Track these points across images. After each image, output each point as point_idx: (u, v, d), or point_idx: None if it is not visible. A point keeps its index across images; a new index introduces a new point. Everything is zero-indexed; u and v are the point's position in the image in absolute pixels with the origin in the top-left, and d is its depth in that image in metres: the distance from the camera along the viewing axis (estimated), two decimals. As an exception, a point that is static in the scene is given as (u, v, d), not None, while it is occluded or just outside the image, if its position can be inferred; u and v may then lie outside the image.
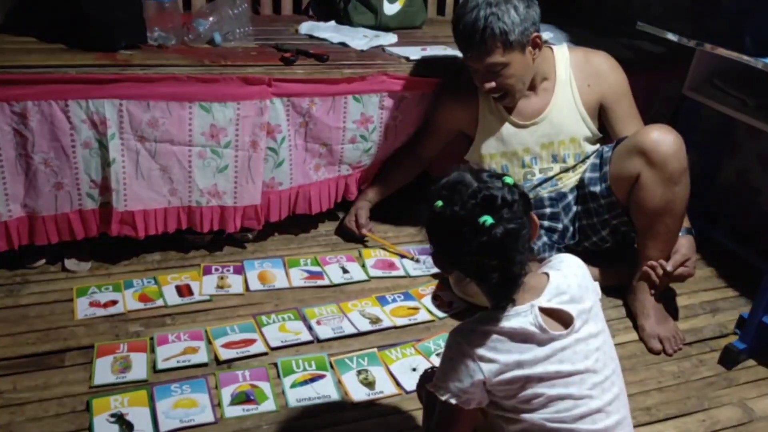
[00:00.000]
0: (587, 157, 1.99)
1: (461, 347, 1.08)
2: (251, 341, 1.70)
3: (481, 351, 1.06)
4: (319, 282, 1.99)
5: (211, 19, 2.02)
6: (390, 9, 2.44)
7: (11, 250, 1.83)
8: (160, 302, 1.84)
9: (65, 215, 1.85)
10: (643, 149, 1.76)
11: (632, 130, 1.92)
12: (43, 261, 1.95)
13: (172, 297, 1.86)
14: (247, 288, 1.93)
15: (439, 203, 1.05)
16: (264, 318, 1.79)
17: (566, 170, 1.99)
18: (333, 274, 2.03)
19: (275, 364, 1.63)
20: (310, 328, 1.78)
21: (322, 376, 1.61)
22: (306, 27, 2.33)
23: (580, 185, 1.97)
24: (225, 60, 1.89)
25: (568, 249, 2.02)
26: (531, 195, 2.00)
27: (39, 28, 1.89)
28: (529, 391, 1.07)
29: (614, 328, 1.88)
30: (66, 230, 1.87)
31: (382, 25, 2.42)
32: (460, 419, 1.13)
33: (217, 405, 1.50)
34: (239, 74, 1.86)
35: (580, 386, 1.07)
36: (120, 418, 1.44)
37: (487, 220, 0.99)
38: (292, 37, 2.25)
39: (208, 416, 1.47)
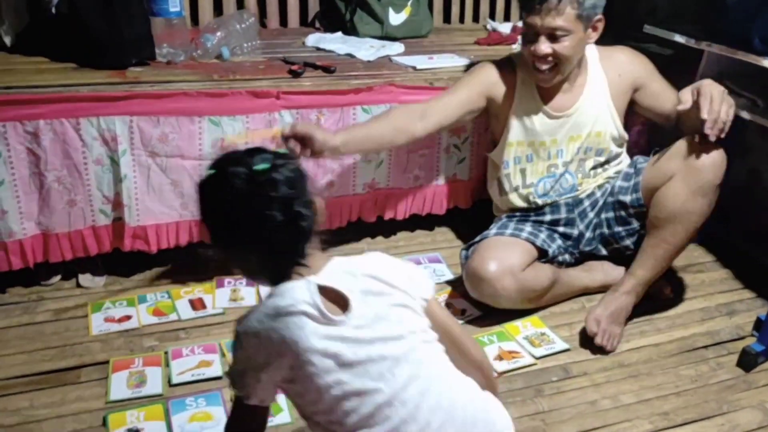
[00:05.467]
0: (607, 162, 1.98)
1: (240, 339, 1.02)
2: (265, 353, 1.70)
3: (255, 342, 1.00)
4: (332, 293, 1.99)
5: (218, 34, 2.04)
6: (396, 19, 2.45)
7: (26, 267, 1.85)
8: (173, 316, 1.84)
9: (79, 232, 1.87)
10: (684, 152, 1.75)
11: (674, 98, 1.81)
12: (57, 278, 1.97)
13: (185, 311, 1.87)
14: (260, 300, 1.94)
15: (210, 171, 1.02)
16: (277, 330, 1.79)
17: (587, 176, 1.98)
18: (345, 284, 2.02)
19: (289, 376, 1.63)
20: (323, 339, 1.77)
21: (336, 387, 1.60)
22: (313, 39, 2.35)
23: (610, 193, 1.95)
24: (233, 74, 1.91)
25: (584, 255, 2.02)
26: (548, 200, 1.99)
27: (49, 48, 1.92)
28: (308, 386, 1.00)
29: (629, 332, 1.86)
30: (80, 247, 1.89)
31: (388, 35, 2.44)
32: (241, 415, 1.08)
33: (232, 418, 1.50)
34: (248, 88, 1.88)
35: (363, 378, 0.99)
36: (136, 433, 1.44)
37: (264, 165, 0.98)
38: (299, 50, 2.26)
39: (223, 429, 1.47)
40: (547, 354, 1.76)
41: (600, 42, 2.07)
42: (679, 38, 2.07)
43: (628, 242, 1.94)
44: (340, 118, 2.01)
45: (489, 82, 1.93)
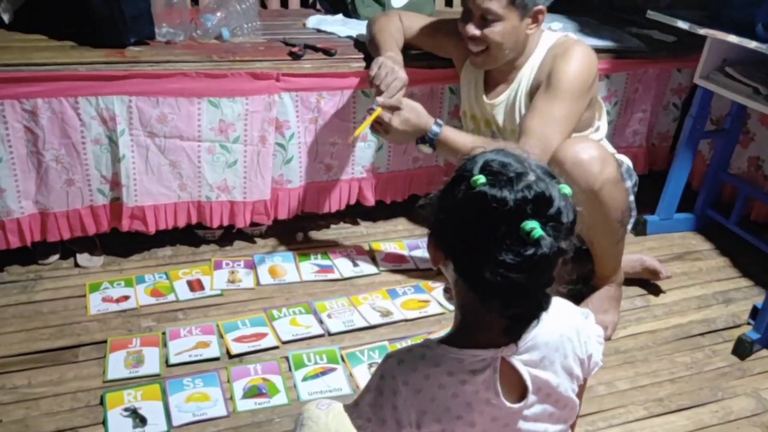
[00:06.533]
0: None
1: (395, 384, 0.89)
2: (262, 335, 1.71)
3: (414, 396, 0.88)
4: (330, 276, 1.99)
5: (218, 14, 2.02)
6: (397, 1, 2.42)
7: (24, 246, 1.85)
8: (171, 297, 1.85)
9: (76, 211, 1.86)
10: (558, 163, 1.62)
11: (526, 123, 1.69)
12: (55, 257, 1.97)
13: (183, 292, 1.87)
14: (257, 282, 1.94)
15: (481, 179, 0.81)
16: (275, 312, 1.80)
17: None
18: (343, 267, 2.03)
19: (286, 358, 1.64)
20: (320, 322, 1.78)
21: (333, 370, 1.61)
22: (313, 21, 2.33)
23: None
24: (233, 55, 1.90)
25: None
26: None
27: (48, 26, 1.90)
28: None
29: (626, 318, 1.87)
30: (78, 226, 1.88)
31: (389, 17, 2.41)
32: None
33: (229, 399, 1.51)
34: (247, 69, 1.86)
35: None
36: (134, 412, 1.45)
37: (535, 230, 0.77)
38: (299, 32, 2.24)
39: (220, 410, 1.48)
40: (543, 339, 1.77)
41: (602, 29, 2.05)
42: (681, 24, 2.05)
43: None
44: (340, 101, 2.00)
45: (449, 36, 1.89)
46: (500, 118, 1.84)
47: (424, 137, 1.71)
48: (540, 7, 1.69)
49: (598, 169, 1.63)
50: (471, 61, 1.82)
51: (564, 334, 0.94)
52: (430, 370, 0.88)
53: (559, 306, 0.94)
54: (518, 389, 0.90)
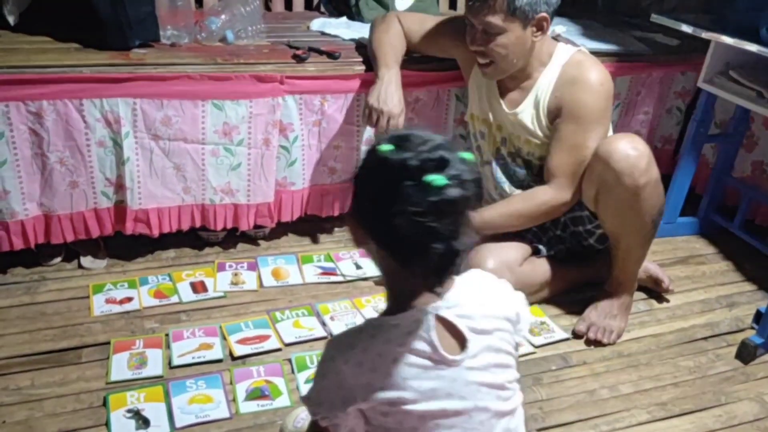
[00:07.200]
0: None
1: (335, 364, 0.93)
2: (265, 337, 1.71)
3: (356, 371, 0.91)
4: (333, 278, 1.99)
5: (223, 16, 2.03)
6: (401, 4, 2.43)
7: (28, 248, 1.85)
8: (174, 299, 1.85)
9: (81, 214, 1.87)
10: (599, 168, 1.67)
11: (556, 161, 1.75)
12: (59, 259, 1.97)
13: (186, 293, 1.87)
14: (261, 284, 1.94)
15: (387, 146, 0.87)
16: (278, 314, 1.80)
17: (536, 177, 1.86)
18: (346, 269, 2.03)
19: (289, 360, 1.64)
20: (323, 324, 1.78)
21: (336, 372, 1.61)
22: (317, 23, 2.33)
23: None
24: (237, 58, 1.90)
25: (573, 251, 1.99)
26: (505, 186, 1.90)
27: (53, 28, 1.91)
28: (407, 426, 0.93)
29: (629, 322, 1.87)
30: (81, 228, 1.89)
31: (393, 20, 2.41)
32: None
33: (232, 401, 1.51)
34: (252, 72, 1.87)
35: (467, 424, 0.94)
36: (136, 414, 1.45)
37: (437, 179, 0.83)
38: (303, 34, 2.25)
39: (223, 412, 1.48)
40: (546, 343, 1.77)
41: (606, 32, 2.04)
42: (685, 28, 2.05)
43: (591, 241, 1.90)
44: (343, 103, 2.01)
45: (453, 37, 1.86)
46: (529, 125, 1.81)
47: None
48: (543, 14, 1.67)
49: (646, 165, 1.64)
50: (481, 72, 1.81)
51: (484, 290, 1.00)
52: (367, 343, 0.93)
53: (472, 273, 1.00)
54: (459, 342, 0.94)
